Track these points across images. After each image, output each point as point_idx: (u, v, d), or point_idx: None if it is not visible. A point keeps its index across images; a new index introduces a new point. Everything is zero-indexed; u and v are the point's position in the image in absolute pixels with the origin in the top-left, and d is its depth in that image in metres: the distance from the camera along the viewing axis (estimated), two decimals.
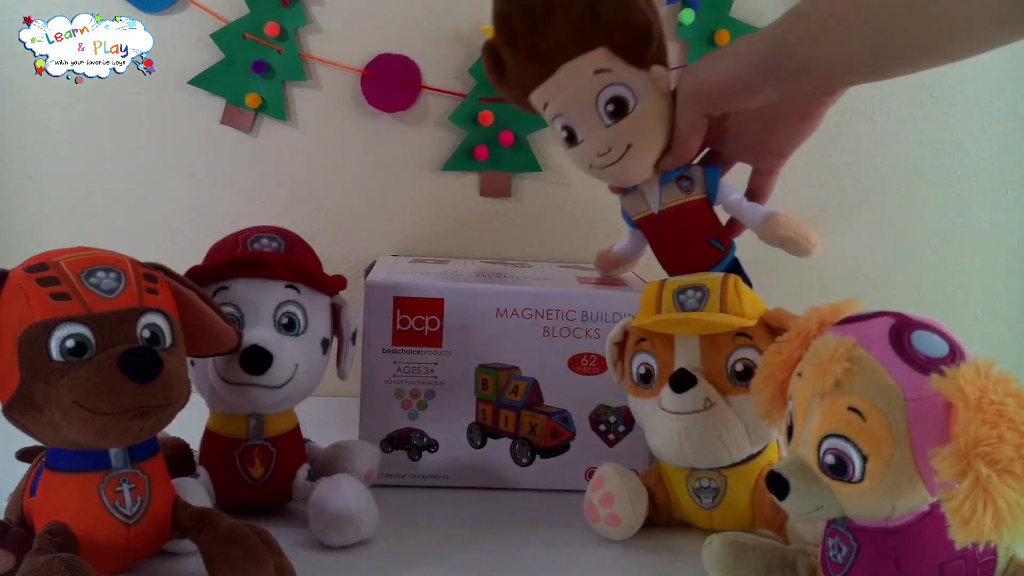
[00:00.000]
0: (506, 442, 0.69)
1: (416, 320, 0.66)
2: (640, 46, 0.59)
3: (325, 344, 0.61)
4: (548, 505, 0.66)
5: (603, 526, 0.60)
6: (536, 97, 0.63)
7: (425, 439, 0.68)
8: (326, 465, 0.63)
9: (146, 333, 0.47)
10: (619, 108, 0.60)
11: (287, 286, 0.59)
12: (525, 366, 0.68)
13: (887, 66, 0.53)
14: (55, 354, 0.45)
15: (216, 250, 0.61)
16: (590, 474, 0.68)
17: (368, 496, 0.58)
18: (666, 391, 0.56)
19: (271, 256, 0.59)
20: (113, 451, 0.48)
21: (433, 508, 0.65)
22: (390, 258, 0.81)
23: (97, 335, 0.45)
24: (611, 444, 0.69)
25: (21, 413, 0.46)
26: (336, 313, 0.62)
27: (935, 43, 0.50)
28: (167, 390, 0.46)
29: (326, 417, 0.67)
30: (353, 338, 0.63)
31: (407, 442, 0.68)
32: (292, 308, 0.59)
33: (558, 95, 0.61)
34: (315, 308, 0.60)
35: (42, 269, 0.46)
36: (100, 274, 0.47)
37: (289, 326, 0.58)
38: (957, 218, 0.95)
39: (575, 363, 0.68)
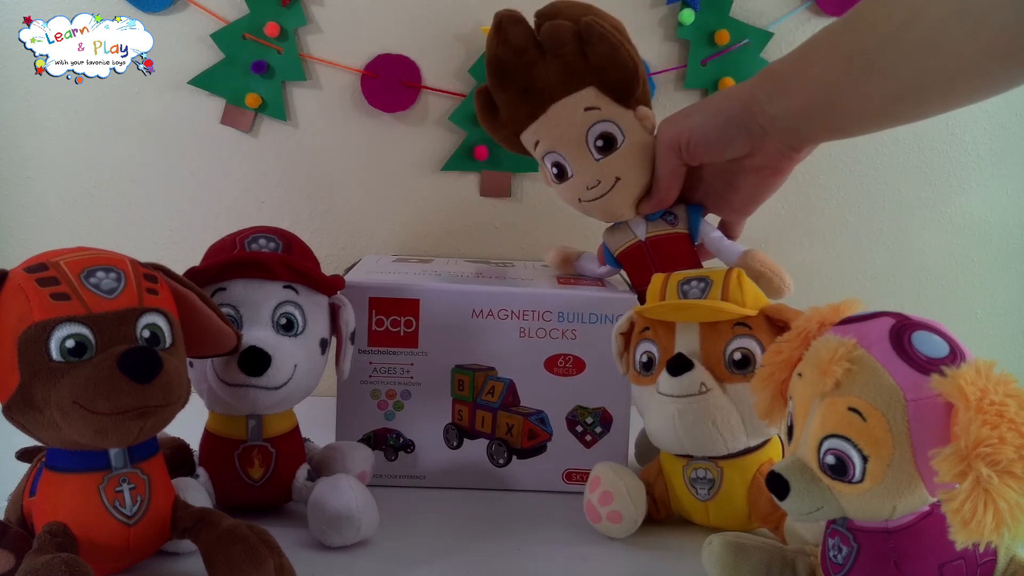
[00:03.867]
0: (483, 443, 0.69)
1: (392, 320, 0.66)
2: (626, 86, 0.63)
3: (324, 344, 0.61)
4: (532, 505, 0.66)
5: (606, 525, 0.60)
6: (527, 136, 0.66)
7: (401, 439, 0.68)
8: (320, 465, 0.63)
9: (146, 333, 0.47)
10: (608, 143, 0.64)
11: (285, 286, 0.59)
12: (502, 367, 0.67)
13: (845, 126, 0.58)
14: (55, 354, 0.45)
15: (214, 251, 0.61)
16: (568, 475, 0.69)
17: (368, 496, 0.58)
18: (663, 375, 0.57)
19: (269, 256, 0.59)
20: (113, 451, 0.48)
21: (419, 509, 0.65)
22: (372, 257, 0.81)
23: (97, 335, 0.45)
24: (588, 445, 0.69)
25: (21, 413, 0.46)
26: (335, 313, 0.62)
27: (885, 107, 0.54)
28: (167, 390, 0.46)
29: (306, 417, 0.67)
30: (352, 338, 0.63)
31: (383, 442, 0.68)
32: (290, 308, 0.58)
33: (550, 132, 0.65)
34: (314, 308, 0.60)
35: (42, 269, 0.46)
36: (100, 274, 0.47)
37: (288, 326, 0.58)
38: (957, 218, 0.95)
39: (552, 364, 0.68)
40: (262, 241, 0.60)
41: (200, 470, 0.59)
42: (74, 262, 0.47)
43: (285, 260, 0.59)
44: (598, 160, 0.64)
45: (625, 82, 0.62)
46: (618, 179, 0.64)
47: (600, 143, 0.63)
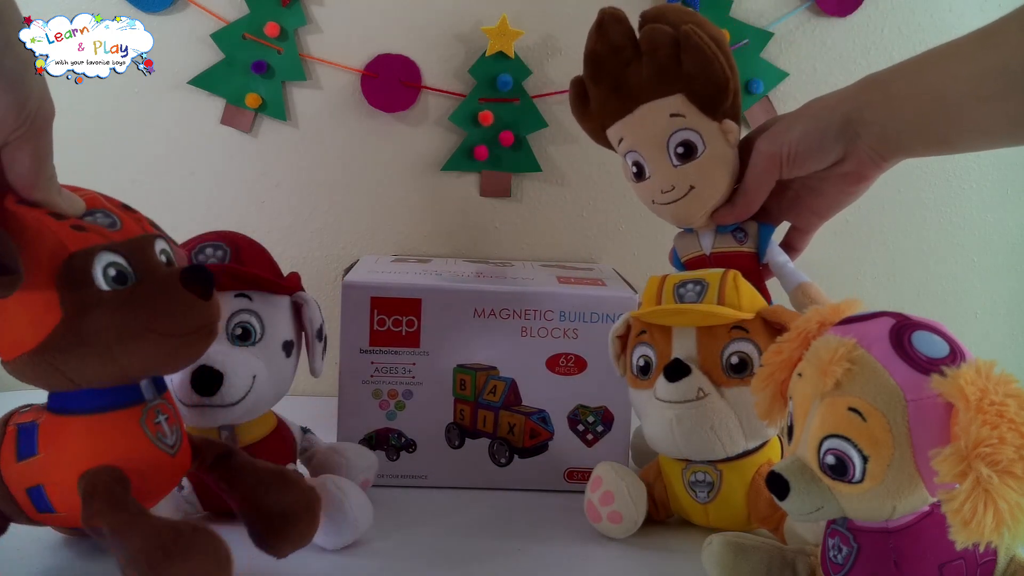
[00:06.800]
0: (484, 442, 0.69)
1: (393, 320, 0.66)
2: (715, 98, 0.62)
3: (289, 347, 0.59)
4: (533, 505, 0.66)
5: (606, 525, 0.60)
6: (613, 131, 0.66)
7: (403, 439, 0.68)
8: (323, 466, 0.63)
9: (163, 258, 0.46)
10: (688, 151, 0.63)
11: (237, 295, 0.57)
12: (503, 366, 0.68)
13: (955, 140, 0.56)
14: (102, 283, 0.43)
15: None
16: (569, 474, 0.69)
17: (361, 495, 0.58)
18: (660, 380, 0.57)
19: (214, 268, 0.56)
20: (143, 383, 0.47)
21: (420, 508, 0.65)
22: (371, 257, 0.81)
23: (130, 261, 0.44)
24: (589, 444, 0.69)
25: (61, 352, 0.44)
26: (298, 312, 0.61)
27: (1015, 127, 0.53)
28: (218, 304, 0.46)
29: (307, 417, 0.67)
30: (319, 335, 0.61)
31: (385, 442, 0.68)
32: (246, 317, 0.57)
33: (633, 132, 0.64)
34: (272, 312, 0.58)
35: (40, 205, 0.44)
36: (88, 216, 0.46)
37: (244, 336, 0.57)
38: (957, 218, 0.95)
39: (553, 363, 0.68)
40: (209, 251, 0.58)
41: (184, 480, 0.58)
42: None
43: (230, 269, 0.57)
44: (676, 167, 0.63)
45: (714, 94, 0.62)
46: (692, 188, 0.63)
47: (680, 150, 0.63)
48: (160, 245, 0.47)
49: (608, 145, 0.68)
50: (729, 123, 0.63)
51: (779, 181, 0.63)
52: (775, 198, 0.64)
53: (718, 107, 0.62)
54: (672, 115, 0.62)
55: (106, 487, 0.44)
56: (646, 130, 0.64)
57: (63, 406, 0.47)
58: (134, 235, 0.46)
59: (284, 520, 0.50)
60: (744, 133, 0.65)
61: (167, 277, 0.44)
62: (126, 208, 0.48)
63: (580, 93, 0.67)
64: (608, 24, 0.64)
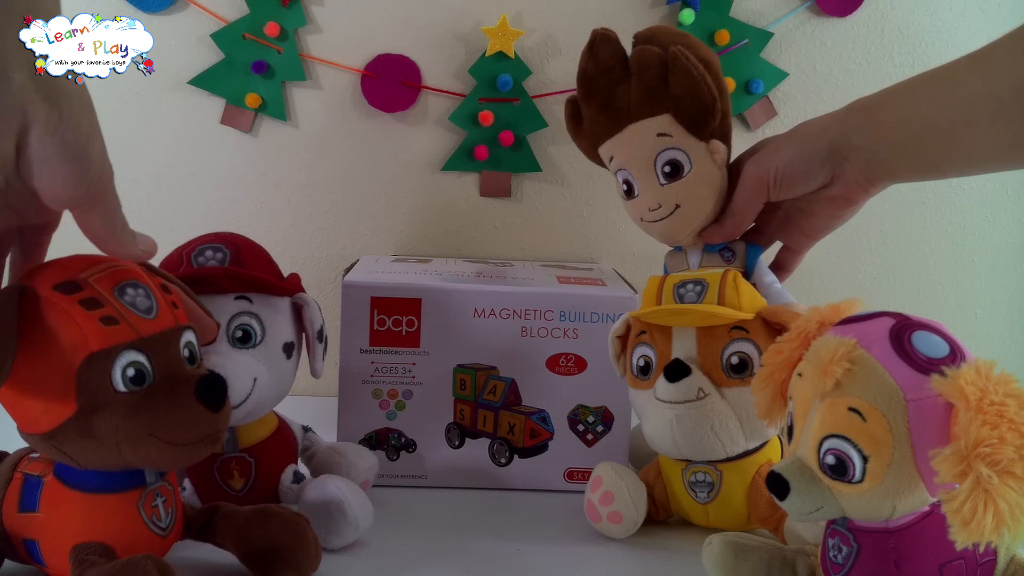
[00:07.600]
0: (484, 442, 0.69)
1: (394, 320, 0.66)
2: (702, 119, 0.63)
3: (289, 348, 0.59)
4: (533, 505, 0.66)
5: (606, 525, 0.60)
6: (604, 150, 0.67)
7: (403, 439, 0.68)
8: (323, 466, 0.63)
9: (186, 352, 0.47)
10: (674, 170, 0.63)
11: (237, 297, 0.57)
12: (503, 366, 0.68)
13: (943, 166, 0.56)
14: (119, 385, 0.44)
15: (163, 267, 0.58)
16: (569, 474, 0.69)
17: (361, 494, 0.58)
18: (660, 380, 0.57)
19: (214, 271, 0.56)
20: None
21: (420, 508, 0.65)
22: (371, 257, 0.81)
23: (152, 360, 0.45)
24: (589, 444, 0.69)
25: (71, 442, 0.45)
26: (299, 313, 0.61)
27: (1003, 154, 0.53)
28: (229, 413, 0.46)
29: (307, 417, 0.67)
30: (319, 336, 0.61)
31: (385, 442, 0.68)
32: (246, 319, 0.57)
33: (623, 150, 0.65)
34: (273, 313, 0.58)
35: (76, 288, 0.44)
36: (130, 291, 0.46)
37: (244, 339, 0.57)
38: (957, 218, 0.95)
39: (553, 363, 0.68)
40: (208, 253, 0.58)
41: (187, 482, 0.59)
42: (101, 277, 0.45)
43: (231, 272, 0.57)
44: (663, 185, 0.64)
45: (701, 115, 0.62)
46: (678, 206, 0.64)
47: (667, 169, 0.63)
48: (186, 338, 0.47)
49: (602, 163, 0.68)
50: (716, 143, 0.63)
51: (769, 202, 0.63)
52: (765, 218, 0.65)
53: (705, 127, 0.63)
54: (659, 135, 0.63)
55: (93, 563, 0.45)
56: (634, 149, 0.64)
57: (67, 479, 0.48)
58: (163, 328, 0.46)
59: (275, 552, 0.51)
60: (742, 133, 0.66)
61: (182, 386, 0.45)
62: (164, 288, 0.48)
63: (574, 112, 0.68)
64: (599, 44, 0.65)
